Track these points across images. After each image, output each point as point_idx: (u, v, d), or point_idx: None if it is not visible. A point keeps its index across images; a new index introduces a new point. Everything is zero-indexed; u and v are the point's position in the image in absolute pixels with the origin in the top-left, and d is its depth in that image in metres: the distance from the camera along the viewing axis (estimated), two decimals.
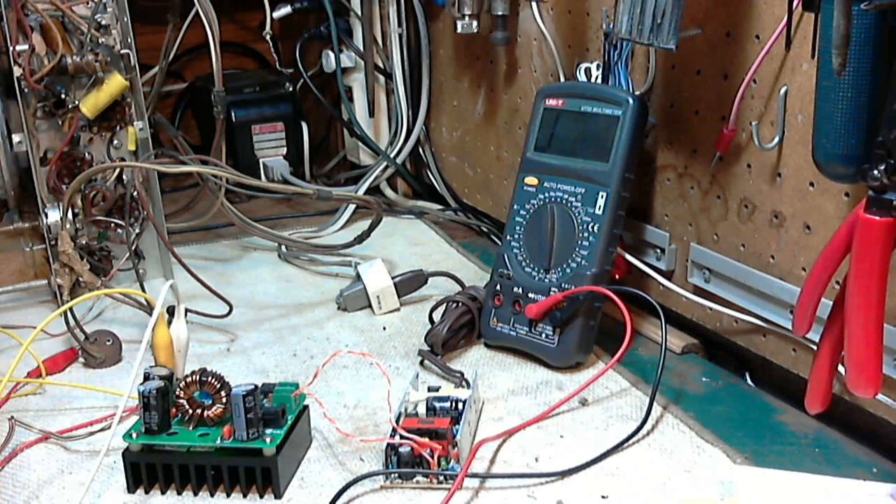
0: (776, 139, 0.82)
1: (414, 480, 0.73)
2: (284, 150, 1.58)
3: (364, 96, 1.45)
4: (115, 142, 1.11)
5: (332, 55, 1.44)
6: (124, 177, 1.11)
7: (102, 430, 0.82)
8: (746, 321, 0.89)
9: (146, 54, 1.22)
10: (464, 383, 0.86)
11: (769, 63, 0.81)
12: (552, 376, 0.91)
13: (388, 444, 0.73)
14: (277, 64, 1.60)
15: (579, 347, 0.91)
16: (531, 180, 0.95)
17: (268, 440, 0.72)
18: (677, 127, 0.95)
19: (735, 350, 0.93)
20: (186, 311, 0.89)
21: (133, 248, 1.11)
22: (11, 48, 1.02)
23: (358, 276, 1.09)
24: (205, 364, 0.82)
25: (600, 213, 0.90)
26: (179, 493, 0.73)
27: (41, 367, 0.91)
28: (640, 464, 0.75)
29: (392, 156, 1.44)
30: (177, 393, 0.73)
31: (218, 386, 0.73)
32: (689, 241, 0.95)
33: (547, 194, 0.94)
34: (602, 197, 0.90)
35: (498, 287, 0.96)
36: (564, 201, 0.92)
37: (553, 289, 0.91)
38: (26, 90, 1.04)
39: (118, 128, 1.11)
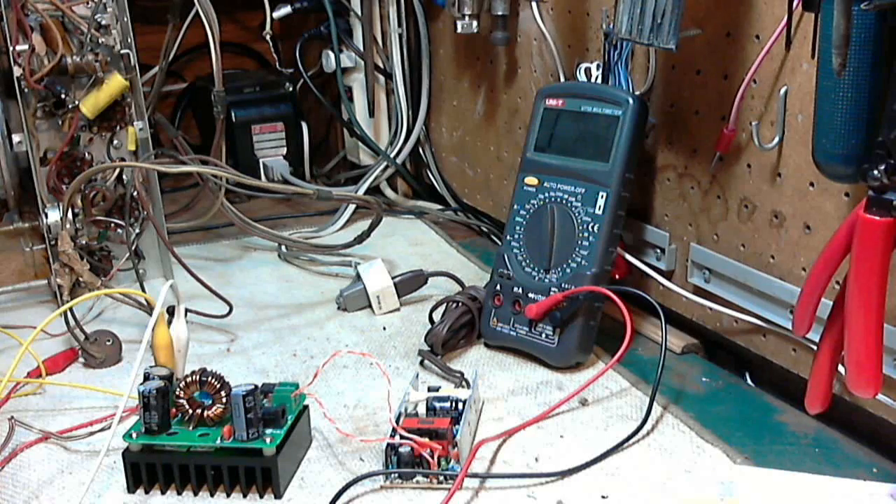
0: (776, 139, 0.82)
1: (414, 480, 0.73)
2: (284, 150, 1.58)
3: (364, 96, 1.45)
4: (115, 142, 1.11)
5: (332, 55, 1.44)
6: (124, 177, 1.11)
7: (102, 430, 0.82)
8: (746, 321, 0.89)
9: (146, 54, 1.22)
10: (464, 383, 0.86)
11: (769, 63, 0.81)
12: (552, 376, 0.91)
13: (388, 444, 0.73)
14: (277, 64, 1.60)
15: (579, 347, 0.91)
16: (531, 180, 0.95)
17: (268, 440, 0.72)
18: (677, 127, 0.95)
19: (735, 350, 0.93)
20: (186, 311, 0.89)
21: (133, 248, 1.11)
22: (11, 48, 1.02)
23: (358, 276, 1.09)
24: (205, 364, 0.81)
25: (600, 213, 0.90)
26: (179, 493, 0.73)
27: (41, 367, 0.91)
28: (640, 464, 0.75)
29: (392, 156, 1.44)
30: (177, 393, 0.73)
31: (218, 386, 0.73)
32: (688, 241, 0.95)
33: (547, 194, 0.94)
34: (602, 197, 0.90)
35: (498, 287, 0.96)
36: (564, 201, 0.92)
37: (553, 289, 0.91)
38: (26, 90, 1.04)
39: (118, 128, 1.11)
